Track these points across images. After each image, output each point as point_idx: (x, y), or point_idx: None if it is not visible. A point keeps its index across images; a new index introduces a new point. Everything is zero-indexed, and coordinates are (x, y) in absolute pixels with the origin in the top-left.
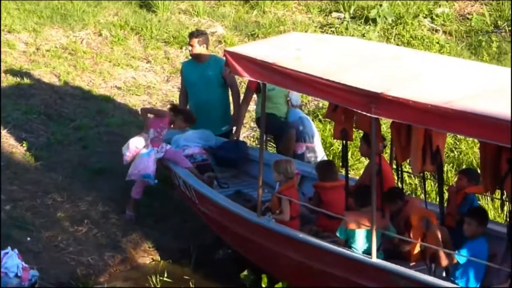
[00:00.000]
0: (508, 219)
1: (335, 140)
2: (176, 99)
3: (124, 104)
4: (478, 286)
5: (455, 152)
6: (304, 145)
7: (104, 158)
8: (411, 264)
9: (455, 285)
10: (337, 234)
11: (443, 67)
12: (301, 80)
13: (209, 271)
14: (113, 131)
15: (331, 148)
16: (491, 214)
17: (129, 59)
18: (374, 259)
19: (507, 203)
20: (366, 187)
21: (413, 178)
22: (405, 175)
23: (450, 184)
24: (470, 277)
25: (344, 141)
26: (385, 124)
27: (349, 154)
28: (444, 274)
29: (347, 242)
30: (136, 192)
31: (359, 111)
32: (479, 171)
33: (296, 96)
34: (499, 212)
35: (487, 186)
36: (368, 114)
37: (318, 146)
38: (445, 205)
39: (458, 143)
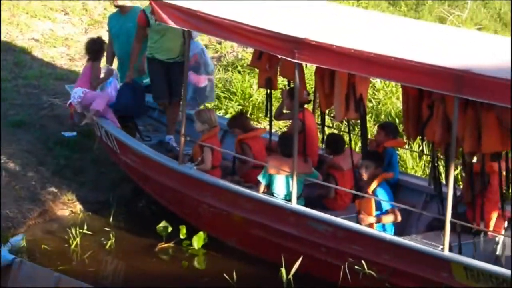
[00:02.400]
0: (432, 169)
1: (254, 91)
2: None
3: (42, 56)
4: (387, 230)
5: (374, 102)
6: (205, 78)
7: (22, 111)
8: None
9: (373, 230)
10: (259, 178)
11: (370, 21)
12: (226, 27)
13: (129, 222)
14: (31, 83)
15: (251, 99)
16: (410, 165)
17: (46, 10)
18: (294, 204)
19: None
20: (290, 136)
21: (333, 129)
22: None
23: (370, 135)
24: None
25: (268, 90)
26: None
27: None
28: None
29: (269, 187)
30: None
31: (283, 57)
32: (397, 121)
33: None
34: (417, 161)
35: (409, 133)
36: (292, 60)
37: None
38: None
39: (376, 93)
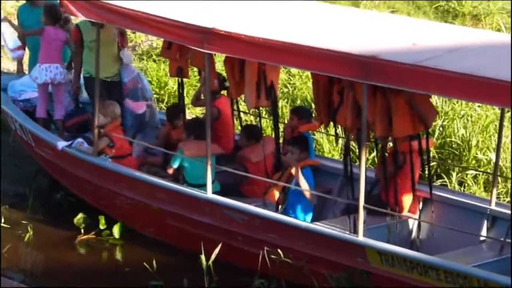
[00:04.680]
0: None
1: (169, 80)
2: None
3: None
4: (307, 218)
5: (289, 88)
6: (144, 104)
7: None
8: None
9: (286, 217)
10: (171, 164)
11: (281, 9)
12: (135, 18)
13: (47, 215)
14: None
15: (166, 87)
16: (326, 149)
17: None
18: (209, 194)
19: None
20: (198, 119)
21: (249, 116)
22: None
23: (286, 120)
24: (298, 209)
25: (180, 79)
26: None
27: (185, 92)
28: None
29: (183, 172)
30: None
31: (193, 47)
32: (313, 106)
33: (127, 55)
34: (334, 145)
35: (321, 119)
36: (201, 50)
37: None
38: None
39: (292, 78)
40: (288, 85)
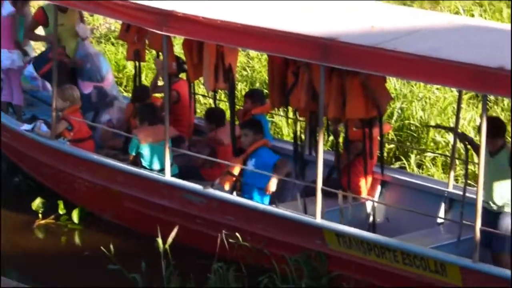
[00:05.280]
0: (294, 136)
1: (128, 63)
2: None
3: None
4: (264, 199)
5: (248, 71)
6: (91, 85)
7: None
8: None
9: (245, 199)
10: (129, 151)
11: None
12: (96, 1)
13: (5, 199)
14: None
15: (125, 71)
16: (286, 132)
17: None
18: (168, 177)
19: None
20: (151, 105)
21: (207, 99)
22: (199, 96)
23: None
24: (254, 192)
25: (137, 62)
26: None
27: (143, 76)
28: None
29: (141, 159)
30: None
31: (152, 30)
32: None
33: (82, 29)
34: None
35: (274, 101)
36: (160, 32)
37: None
38: None
39: (251, 61)
40: (247, 68)
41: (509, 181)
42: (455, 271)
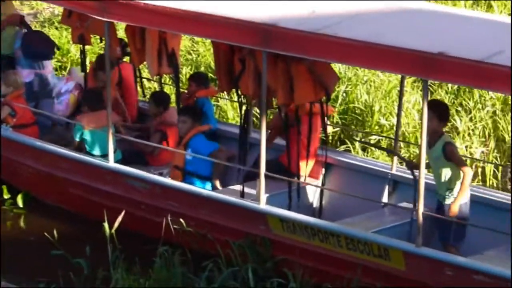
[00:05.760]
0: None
1: (72, 47)
2: None
3: None
4: (205, 185)
5: (193, 55)
6: (30, 72)
7: None
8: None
9: (188, 185)
10: (74, 137)
11: None
12: None
13: None
14: None
15: (69, 55)
16: (231, 115)
17: None
18: (111, 163)
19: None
20: (95, 91)
21: (152, 83)
22: (144, 80)
23: None
24: (196, 178)
25: (82, 46)
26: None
27: (88, 59)
28: None
29: (85, 145)
30: None
31: (93, 16)
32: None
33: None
34: (238, 111)
35: (223, 87)
36: (101, 18)
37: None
38: None
39: (195, 45)
40: (192, 52)
41: (448, 171)
42: (398, 255)
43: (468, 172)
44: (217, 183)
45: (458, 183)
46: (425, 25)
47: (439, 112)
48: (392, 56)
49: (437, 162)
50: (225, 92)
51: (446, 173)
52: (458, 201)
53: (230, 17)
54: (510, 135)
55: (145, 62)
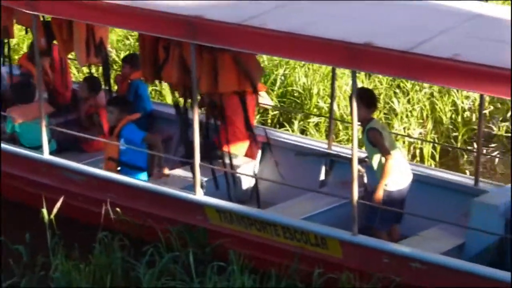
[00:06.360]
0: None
1: None
2: None
3: None
4: (140, 175)
5: (131, 39)
6: None
7: None
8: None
9: (124, 176)
10: (5, 129)
11: None
12: None
13: None
14: None
15: None
16: (170, 100)
17: None
18: (46, 155)
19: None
20: (22, 84)
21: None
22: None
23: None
24: (130, 168)
25: (6, 39)
26: None
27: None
28: None
29: (18, 137)
30: None
31: (20, 9)
32: None
33: None
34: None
35: (146, 76)
36: (28, 12)
37: None
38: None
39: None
40: (129, 37)
41: (378, 156)
42: (335, 244)
43: (388, 158)
44: (155, 170)
45: None
46: (354, 13)
47: (366, 100)
48: (319, 47)
49: (367, 148)
50: (151, 83)
51: (376, 159)
52: (381, 187)
53: (157, 9)
54: (447, 116)
55: (73, 53)
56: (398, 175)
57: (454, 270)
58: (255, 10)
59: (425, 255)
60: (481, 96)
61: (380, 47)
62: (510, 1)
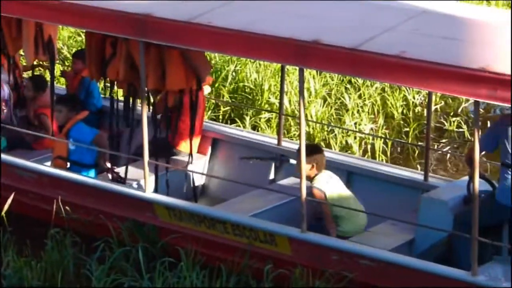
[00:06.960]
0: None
1: None
2: None
3: None
4: (89, 173)
5: (82, 36)
6: None
7: None
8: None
9: (74, 174)
10: None
11: None
12: None
13: None
14: None
15: None
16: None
17: None
18: None
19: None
20: None
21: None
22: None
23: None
24: (80, 167)
25: None
26: None
27: None
28: None
29: None
30: None
31: None
32: None
33: None
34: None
35: (92, 73)
36: None
37: None
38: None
39: None
40: (81, 33)
41: None
42: (284, 241)
43: None
44: (105, 167)
45: None
46: (301, 10)
47: None
48: (267, 45)
49: None
50: (96, 80)
51: None
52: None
53: (105, 7)
54: (398, 111)
55: (21, 51)
56: None
57: (402, 267)
58: (203, 7)
59: (373, 252)
60: (429, 92)
61: (328, 45)
62: (510, 2)
